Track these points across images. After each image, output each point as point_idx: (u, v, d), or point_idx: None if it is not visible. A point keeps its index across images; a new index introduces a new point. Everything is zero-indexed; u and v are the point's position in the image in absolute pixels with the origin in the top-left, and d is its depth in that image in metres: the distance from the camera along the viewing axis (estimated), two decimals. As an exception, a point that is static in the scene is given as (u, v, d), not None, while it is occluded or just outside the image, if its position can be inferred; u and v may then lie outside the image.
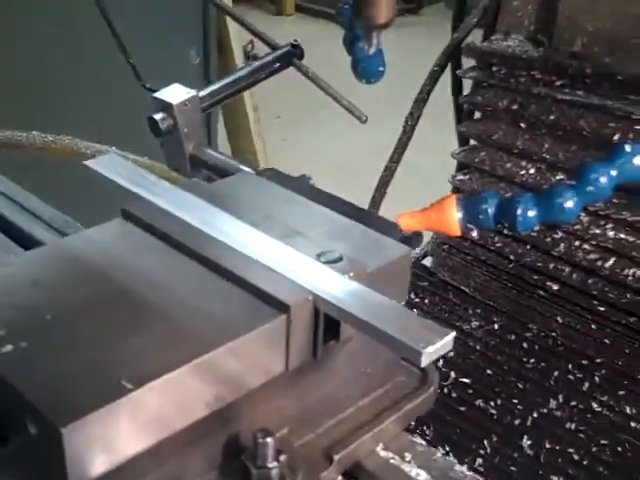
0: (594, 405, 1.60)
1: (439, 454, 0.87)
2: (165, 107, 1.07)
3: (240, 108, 4.09)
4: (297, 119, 5.39)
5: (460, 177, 1.73)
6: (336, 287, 0.78)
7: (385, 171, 1.94)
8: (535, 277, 1.65)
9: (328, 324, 0.80)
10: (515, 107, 1.63)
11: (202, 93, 1.11)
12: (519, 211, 0.88)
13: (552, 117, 1.57)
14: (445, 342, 0.72)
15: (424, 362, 0.71)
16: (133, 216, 0.89)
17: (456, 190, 1.75)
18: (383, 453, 0.87)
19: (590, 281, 1.57)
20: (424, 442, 0.88)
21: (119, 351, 0.71)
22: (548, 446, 1.67)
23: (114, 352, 0.71)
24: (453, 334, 0.72)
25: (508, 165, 1.65)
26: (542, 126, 1.59)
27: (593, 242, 1.54)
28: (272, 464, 0.76)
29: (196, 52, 3.66)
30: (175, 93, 1.08)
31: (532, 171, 1.63)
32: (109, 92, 3.39)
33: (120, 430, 0.67)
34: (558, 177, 1.59)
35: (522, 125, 1.63)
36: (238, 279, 0.79)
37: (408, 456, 0.87)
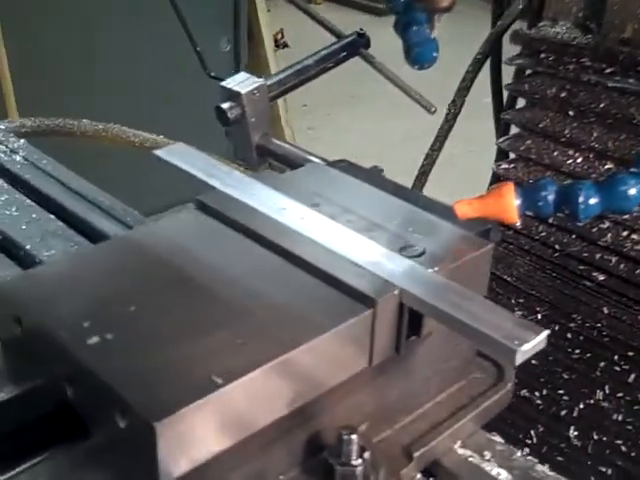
0: (641, 397, 1.59)
1: (519, 453, 0.85)
2: (233, 96, 1.05)
3: (270, 96, 4.07)
4: (324, 108, 5.36)
5: (504, 166, 1.71)
6: (422, 281, 0.76)
7: (426, 159, 1.92)
8: (581, 267, 1.62)
9: (411, 319, 0.78)
10: (563, 95, 1.61)
11: (269, 82, 1.09)
12: (581, 199, 0.86)
13: (601, 105, 1.55)
14: (539, 340, 0.70)
15: (518, 361, 0.69)
16: (207, 206, 0.87)
17: (497, 179, 1.72)
18: (461, 451, 0.86)
19: (638, 271, 1.54)
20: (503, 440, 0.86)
21: (205, 345, 0.70)
22: (595, 437, 1.65)
23: (200, 346, 0.70)
24: (547, 332, 0.70)
25: (555, 154, 1.62)
26: (591, 114, 1.57)
27: None
28: (356, 461, 0.75)
29: (227, 40, 3.65)
30: (242, 82, 1.06)
31: (579, 160, 1.60)
32: (160, 81, 3.41)
33: (209, 426, 0.66)
34: (607, 166, 1.56)
35: (570, 113, 1.60)
36: (321, 272, 0.78)
37: (487, 454, 0.85)
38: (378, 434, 0.83)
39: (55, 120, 1.61)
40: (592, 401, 1.65)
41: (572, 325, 1.65)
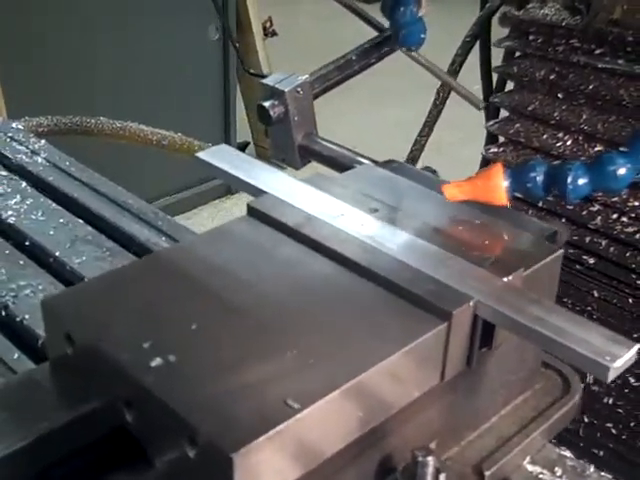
0: (631, 380, 1.58)
1: (592, 469, 0.81)
2: (275, 94, 1.00)
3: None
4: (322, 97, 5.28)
5: (493, 149, 1.68)
6: (498, 292, 0.72)
7: (414, 145, 1.88)
8: (570, 251, 1.60)
9: (483, 330, 0.74)
10: (552, 77, 1.58)
11: (312, 78, 1.04)
12: (570, 179, 0.83)
13: (591, 87, 1.53)
14: (630, 354, 0.65)
15: (610, 377, 0.65)
16: (260, 212, 0.83)
17: (487, 164, 1.69)
18: (531, 467, 0.81)
19: (628, 254, 1.53)
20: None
21: (275, 366, 0.65)
22: (586, 420, 1.66)
23: (270, 367, 0.65)
24: (638, 346, 0.66)
25: (544, 137, 1.60)
26: (580, 96, 1.55)
27: (632, 215, 1.49)
28: (432, 484, 0.70)
29: (215, 28, 3.58)
30: (285, 79, 1.01)
31: (569, 142, 1.58)
32: (160, 78, 3.35)
33: (284, 454, 0.61)
34: (596, 148, 1.54)
35: (559, 95, 1.58)
36: (390, 284, 0.73)
37: (558, 471, 0.81)
38: (446, 452, 0.79)
39: (73, 118, 1.56)
40: (582, 385, 1.64)
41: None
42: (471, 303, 0.71)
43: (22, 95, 2.75)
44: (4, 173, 1.27)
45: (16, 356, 0.91)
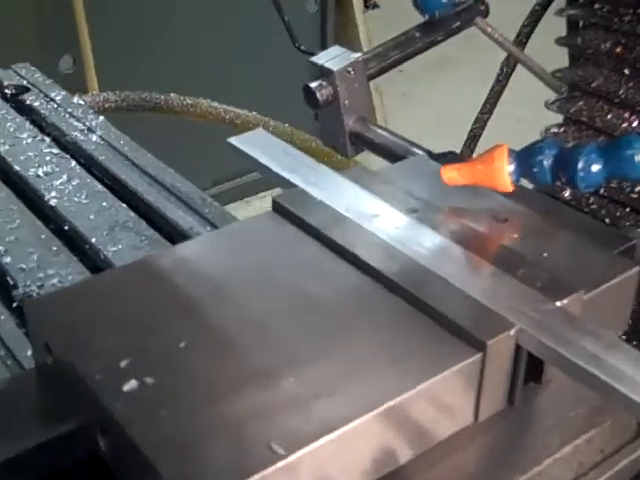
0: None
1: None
2: (324, 74, 0.90)
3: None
4: (417, 73, 5.04)
5: (554, 130, 1.50)
6: (546, 319, 0.60)
7: (475, 123, 1.71)
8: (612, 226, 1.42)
9: (529, 362, 0.62)
10: (618, 50, 1.39)
11: (367, 56, 0.93)
12: (580, 164, 0.72)
13: None
14: None
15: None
16: (286, 210, 0.72)
17: None
18: (589, 521, 0.69)
19: None
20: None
21: (270, 398, 0.55)
22: None
23: (262, 400, 0.55)
24: None
25: (608, 116, 1.41)
26: None
27: None
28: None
29: (314, 1, 3.44)
30: (336, 57, 0.91)
31: (635, 124, 1.39)
32: (249, 54, 3.25)
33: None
34: None
35: (626, 71, 1.39)
36: (418, 302, 0.62)
37: (622, 528, 0.68)
38: (486, 497, 0.68)
39: (141, 94, 1.49)
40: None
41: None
42: (512, 332, 0.59)
43: (114, 69, 2.73)
44: (55, 151, 1.21)
45: (29, 353, 0.84)
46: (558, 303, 0.62)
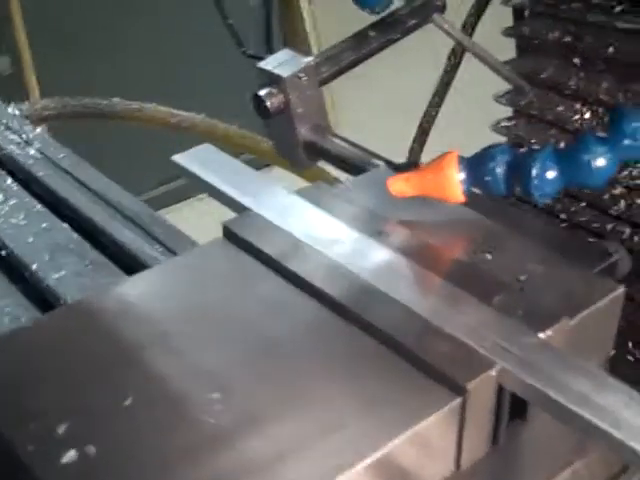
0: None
1: None
2: (274, 80, 0.83)
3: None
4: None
5: (504, 123, 1.45)
6: (530, 355, 0.54)
7: (424, 117, 1.65)
8: (590, 240, 1.38)
9: (513, 399, 0.56)
10: (567, 39, 1.34)
11: (319, 59, 0.86)
12: (534, 171, 0.66)
13: (611, 50, 1.28)
14: None
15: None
16: (238, 237, 0.66)
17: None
18: None
19: None
20: None
21: (231, 464, 0.49)
22: None
23: (224, 466, 0.49)
24: None
25: (560, 108, 1.36)
26: (599, 62, 1.30)
27: None
28: None
29: None
30: (285, 62, 0.84)
31: (587, 115, 1.35)
32: (192, 54, 3.14)
33: None
34: None
35: (575, 61, 1.34)
36: (389, 339, 0.56)
37: None
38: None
39: (83, 100, 1.41)
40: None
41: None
42: (494, 372, 0.54)
43: (54, 70, 2.62)
44: (-11, 169, 1.13)
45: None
46: (541, 334, 0.56)
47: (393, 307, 0.58)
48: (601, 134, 0.68)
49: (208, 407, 0.52)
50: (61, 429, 0.51)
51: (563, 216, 1.39)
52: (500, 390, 0.55)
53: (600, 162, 0.65)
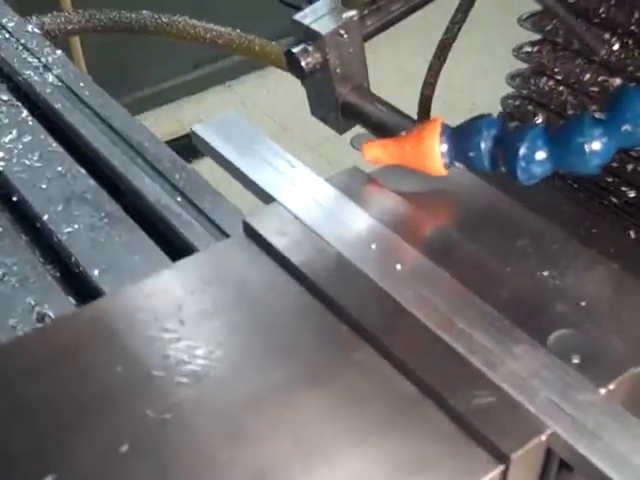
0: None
1: None
2: (311, 37, 0.73)
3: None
4: None
5: (527, 48, 1.32)
6: (587, 416, 0.47)
7: (446, 33, 1.49)
8: (608, 180, 1.27)
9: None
10: None
11: (363, 12, 0.76)
12: (522, 150, 0.59)
13: None
14: None
15: None
16: (259, 235, 0.58)
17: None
18: None
19: None
20: None
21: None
22: None
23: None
24: None
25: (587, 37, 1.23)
26: None
27: None
28: None
29: None
30: (325, 15, 0.74)
31: (616, 47, 1.22)
32: None
33: None
34: None
35: None
36: (428, 389, 0.49)
37: None
38: None
39: (109, 13, 1.31)
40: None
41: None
42: (544, 436, 0.46)
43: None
44: (5, 97, 1.05)
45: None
46: (602, 389, 0.49)
47: (436, 346, 0.51)
48: (599, 115, 0.60)
49: (228, 455, 0.46)
50: (47, 481, 0.45)
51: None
52: (548, 454, 0.48)
53: (595, 146, 0.58)
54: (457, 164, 0.63)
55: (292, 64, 0.74)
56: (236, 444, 0.46)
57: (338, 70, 0.75)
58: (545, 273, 0.56)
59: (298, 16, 0.75)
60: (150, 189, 0.92)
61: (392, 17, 0.79)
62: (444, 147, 0.62)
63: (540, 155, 0.59)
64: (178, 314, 0.53)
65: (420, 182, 0.64)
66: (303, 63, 0.74)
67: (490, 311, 0.53)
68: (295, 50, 0.74)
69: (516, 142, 0.59)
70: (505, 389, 0.48)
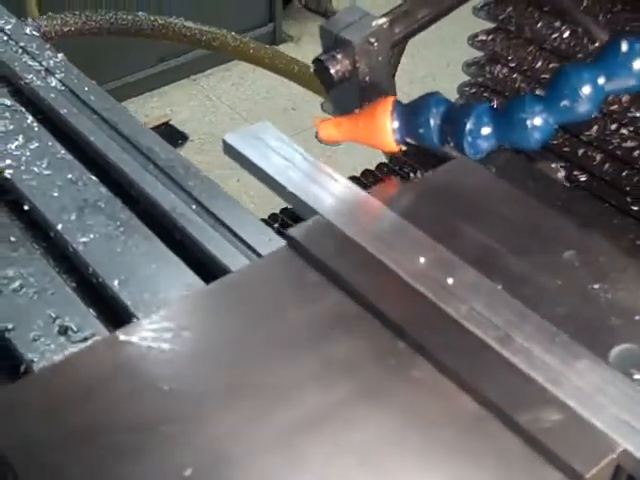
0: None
1: None
2: (340, 44, 0.72)
3: None
4: None
5: (481, 37, 1.34)
6: (658, 435, 0.47)
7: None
8: (561, 164, 1.29)
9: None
10: None
11: (391, 18, 0.74)
12: (469, 126, 0.64)
13: None
14: None
15: None
16: (304, 249, 0.57)
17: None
18: None
19: (624, 174, 1.21)
20: None
21: None
22: None
23: None
24: None
25: (538, 25, 1.26)
26: None
27: (631, 128, 1.17)
28: None
29: None
30: (354, 22, 0.72)
31: (566, 35, 1.25)
32: None
33: None
34: (596, 45, 1.21)
35: None
36: (493, 407, 0.48)
37: None
38: None
39: (106, 14, 1.29)
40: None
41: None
42: (615, 454, 0.46)
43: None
44: (8, 102, 1.02)
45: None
46: (671, 406, 0.48)
47: (502, 366, 0.50)
48: (541, 94, 0.65)
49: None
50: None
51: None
52: (617, 471, 0.48)
53: (536, 122, 0.63)
54: (408, 140, 0.66)
55: (321, 72, 0.73)
56: (303, 468, 0.45)
57: (367, 78, 0.74)
58: (596, 286, 0.56)
59: (327, 24, 0.74)
60: (164, 197, 0.90)
61: (420, 24, 0.78)
62: (395, 124, 0.65)
63: (485, 131, 0.63)
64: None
65: (460, 196, 0.63)
66: (332, 71, 0.73)
67: (548, 326, 0.52)
68: (324, 58, 0.73)
69: (463, 118, 0.63)
70: (572, 406, 0.48)
